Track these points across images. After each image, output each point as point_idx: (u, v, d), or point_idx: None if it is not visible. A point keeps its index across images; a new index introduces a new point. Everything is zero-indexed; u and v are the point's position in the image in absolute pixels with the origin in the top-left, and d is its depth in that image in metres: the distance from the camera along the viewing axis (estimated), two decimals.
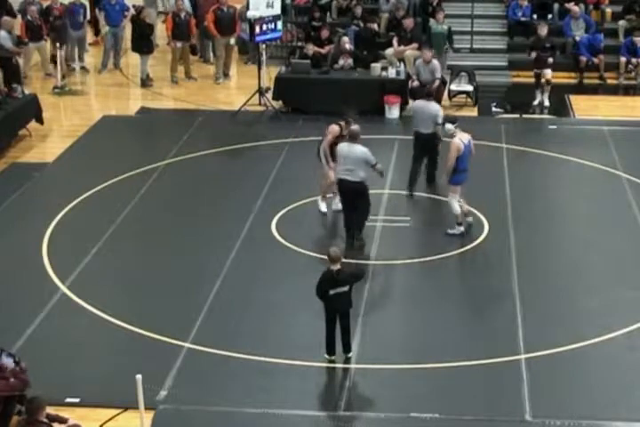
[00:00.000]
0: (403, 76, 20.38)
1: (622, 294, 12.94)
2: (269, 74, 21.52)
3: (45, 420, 9.50)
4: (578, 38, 22.82)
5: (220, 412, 10.44)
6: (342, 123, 14.76)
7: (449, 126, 14.76)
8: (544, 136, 19.44)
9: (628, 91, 22.44)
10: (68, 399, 10.59)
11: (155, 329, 11.98)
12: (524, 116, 20.73)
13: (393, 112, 20.09)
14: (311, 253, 14.01)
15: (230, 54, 23.09)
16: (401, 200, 15.99)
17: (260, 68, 20.84)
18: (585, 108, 21.02)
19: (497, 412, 10.48)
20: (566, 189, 16.97)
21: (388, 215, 15.27)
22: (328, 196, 15.30)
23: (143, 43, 22.36)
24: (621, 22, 23.82)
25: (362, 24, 23.03)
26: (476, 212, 15.26)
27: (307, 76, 20.51)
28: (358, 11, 23.53)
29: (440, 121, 15.55)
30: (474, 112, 20.82)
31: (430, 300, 12.94)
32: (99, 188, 16.34)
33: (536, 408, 10.50)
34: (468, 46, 23.71)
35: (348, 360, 11.37)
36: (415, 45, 21.66)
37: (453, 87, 21.24)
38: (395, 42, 22.06)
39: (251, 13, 20.67)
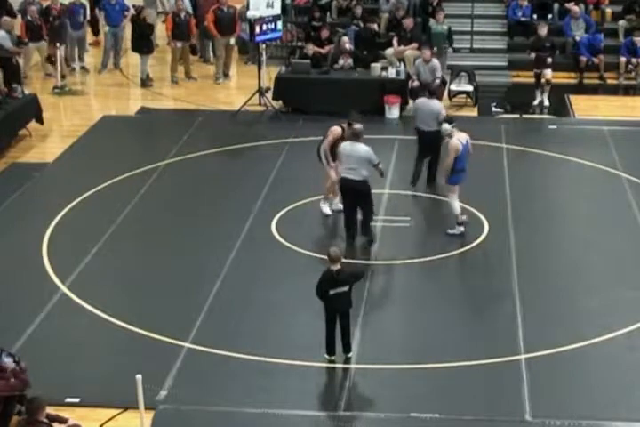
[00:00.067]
0: (403, 76, 20.38)
1: (622, 294, 12.93)
2: (269, 74, 21.52)
3: (45, 420, 9.51)
4: (578, 38, 22.82)
5: (220, 412, 10.44)
6: (345, 125, 14.73)
7: (446, 126, 14.76)
8: (544, 136, 19.44)
9: (628, 91, 22.44)
10: (68, 399, 10.59)
11: (155, 329, 11.98)
12: (524, 116, 20.73)
13: (393, 112, 20.08)
14: (311, 253, 14.01)
15: (230, 54, 23.09)
16: (401, 200, 15.99)
17: (259, 68, 20.84)
18: (585, 108, 21.02)
19: (497, 412, 10.48)
20: (566, 189, 16.97)
21: (388, 215, 15.27)
22: (329, 196, 15.27)
23: (143, 43, 22.36)
24: (621, 22, 23.82)
25: (362, 24, 23.03)
26: (475, 212, 15.27)
27: (307, 76, 20.51)
28: (358, 11, 23.54)
29: (442, 119, 15.53)
30: (474, 112, 20.82)
31: (430, 300, 12.94)
32: (99, 188, 16.34)
33: (536, 408, 10.50)
34: (468, 46, 23.71)
35: (348, 360, 11.37)
36: (415, 45, 21.64)
37: (453, 87, 21.24)
38: (395, 42, 22.05)
39: (251, 13, 20.67)
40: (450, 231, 14.62)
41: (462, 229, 14.62)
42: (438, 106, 16.23)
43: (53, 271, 13.53)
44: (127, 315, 12.31)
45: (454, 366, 11.30)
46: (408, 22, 22.13)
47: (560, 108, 21.12)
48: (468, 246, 14.36)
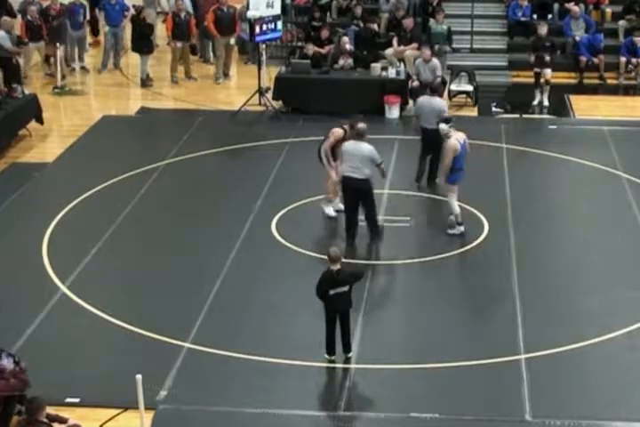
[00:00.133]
0: (403, 76, 20.38)
1: (622, 294, 12.93)
2: (269, 74, 21.52)
3: (45, 420, 9.50)
4: (578, 38, 22.82)
5: (220, 412, 10.44)
6: (346, 126, 14.72)
7: (443, 126, 14.73)
8: (544, 136, 19.44)
9: (628, 91, 22.43)
10: (68, 399, 10.59)
11: (155, 329, 11.98)
12: (524, 116, 20.72)
13: (393, 112, 20.08)
14: (311, 253, 14.00)
15: (230, 54, 23.08)
16: (401, 200, 15.99)
17: (259, 68, 20.83)
18: (585, 108, 21.02)
19: (497, 412, 10.48)
20: (566, 189, 16.97)
21: (388, 215, 15.26)
22: (330, 197, 15.24)
23: (143, 43, 22.37)
24: (621, 22, 23.82)
25: (362, 24, 23.03)
26: (475, 212, 15.27)
27: (307, 76, 20.51)
28: (358, 11, 23.54)
29: (445, 116, 15.51)
30: (474, 112, 20.82)
31: (430, 300, 12.94)
32: (99, 188, 16.34)
33: (536, 408, 10.50)
34: (468, 46, 23.71)
35: (348, 360, 11.37)
36: (415, 45, 21.64)
37: (453, 87, 21.24)
38: (395, 42, 22.05)
39: (251, 13, 20.67)
40: (450, 231, 14.62)
41: (462, 228, 14.61)
42: (440, 103, 16.25)
43: (53, 271, 13.53)
44: (127, 315, 12.31)
45: (454, 366, 11.30)
46: (408, 22, 22.13)
47: (560, 108, 21.12)
48: (468, 246, 14.36)
